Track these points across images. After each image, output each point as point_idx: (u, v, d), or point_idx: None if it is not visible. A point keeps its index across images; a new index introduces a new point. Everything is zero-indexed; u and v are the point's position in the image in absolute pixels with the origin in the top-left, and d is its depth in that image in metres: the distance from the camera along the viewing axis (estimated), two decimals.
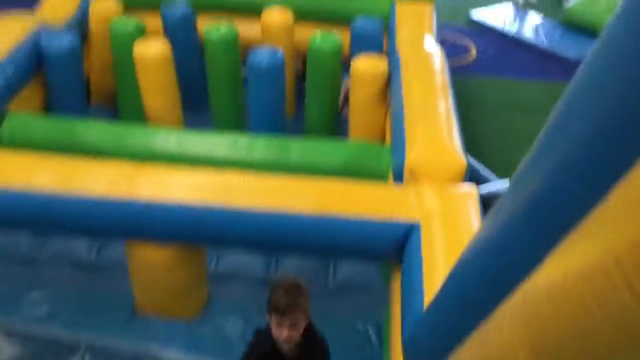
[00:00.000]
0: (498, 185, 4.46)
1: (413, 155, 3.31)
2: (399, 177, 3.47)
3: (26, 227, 3.25)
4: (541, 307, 1.14)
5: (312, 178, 3.34)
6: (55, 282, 3.73)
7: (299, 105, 5.33)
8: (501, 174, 4.87)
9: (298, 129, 5.20)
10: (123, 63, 4.74)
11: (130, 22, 4.79)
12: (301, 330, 2.55)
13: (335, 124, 4.99)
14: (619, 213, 0.97)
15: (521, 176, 1.42)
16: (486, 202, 3.24)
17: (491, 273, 1.51)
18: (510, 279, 1.41)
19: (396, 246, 3.04)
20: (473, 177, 4.14)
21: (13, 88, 4.10)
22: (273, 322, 2.51)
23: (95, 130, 3.97)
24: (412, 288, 2.74)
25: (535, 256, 1.34)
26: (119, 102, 5.04)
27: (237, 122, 4.97)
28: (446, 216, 3.00)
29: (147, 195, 3.10)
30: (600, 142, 1.08)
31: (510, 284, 1.40)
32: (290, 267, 3.81)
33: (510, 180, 1.52)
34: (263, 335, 2.69)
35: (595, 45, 1.13)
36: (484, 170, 4.96)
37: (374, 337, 3.46)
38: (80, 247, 3.85)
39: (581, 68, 1.17)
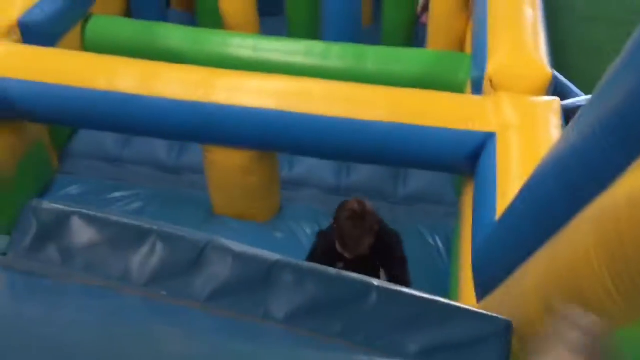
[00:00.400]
0: (582, 100, 4.25)
1: (495, 65, 3.18)
2: (477, 87, 3.35)
3: (108, 126, 3.39)
4: (620, 214, 1.10)
5: (388, 87, 3.28)
6: (138, 180, 3.91)
7: (377, 13, 5.17)
8: (585, 90, 4.63)
9: (375, 37, 5.08)
10: None
11: None
12: (367, 247, 2.56)
13: (413, 32, 4.83)
14: None
15: (605, 87, 1.34)
16: (569, 117, 3.10)
17: (570, 181, 1.47)
18: (589, 188, 1.37)
19: (470, 157, 2.98)
20: (557, 90, 3.97)
21: None
22: (338, 242, 2.54)
23: (174, 34, 4.02)
24: (484, 200, 2.71)
25: (616, 167, 1.29)
26: (197, 6, 5.03)
27: (312, 27, 4.89)
28: (525, 128, 2.90)
29: (222, 99, 3.14)
30: None
31: (590, 193, 1.36)
32: (362, 175, 3.83)
33: (594, 91, 1.44)
34: (326, 238, 2.70)
35: None
36: (568, 84, 4.71)
37: (442, 248, 3.48)
38: (162, 149, 3.99)
39: None
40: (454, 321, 0.91)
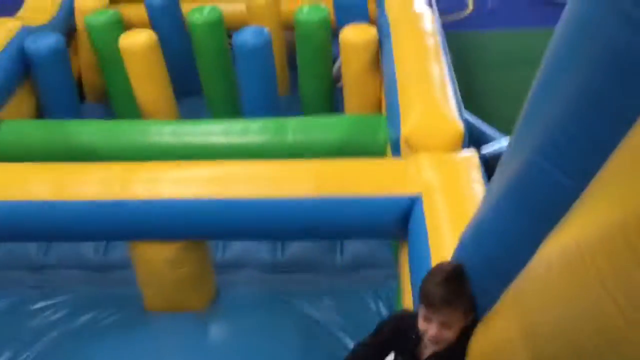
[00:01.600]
0: (502, 143, 4.36)
1: (408, 126, 3.23)
2: (396, 148, 3.40)
3: (27, 236, 3.24)
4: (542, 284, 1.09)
5: (310, 160, 3.28)
6: (65, 284, 3.74)
7: (294, 82, 5.23)
8: (505, 131, 4.76)
9: (295, 107, 5.12)
10: (107, 56, 4.65)
11: (105, 13, 4.68)
12: (456, 333, 2.04)
13: (332, 96, 4.90)
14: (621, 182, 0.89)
15: (506, 157, 1.36)
16: (490, 163, 3.17)
17: (487, 253, 1.46)
18: (505, 260, 1.36)
19: (400, 221, 2.99)
20: (475, 136, 4.06)
21: (2, 95, 4.05)
22: (421, 313, 2.08)
23: (89, 129, 3.93)
24: (419, 262, 2.70)
25: (530, 238, 1.28)
26: (111, 97, 4.96)
27: (231, 104, 4.90)
28: (448, 186, 2.93)
29: (141, 194, 3.06)
30: (572, 121, 1.01)
31: (507, 266, 1.35)
32: (298, 248, 3.78)
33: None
34: (408, 319, 2.25)
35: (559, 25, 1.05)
36: (486, 128, 4.85)
37: (384, 312, 3.44)
38: (87, 249, 3.84)
39: (549, 49, 1.10)
40: None
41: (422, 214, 2.86)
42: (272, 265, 3.76)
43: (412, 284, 2.79)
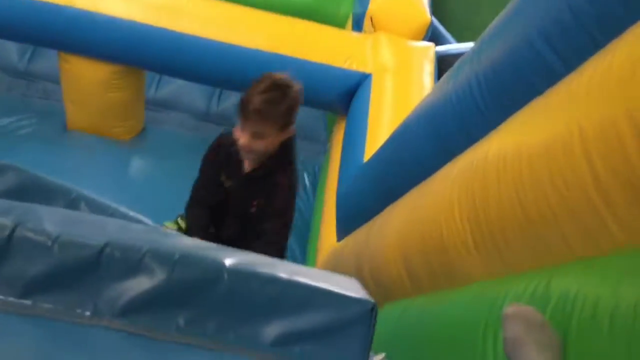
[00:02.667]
0: (454, 48, 4.35)
1: (377, 3, 3.13)
2: (358, 24, 3.31)
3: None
4: (487, 169, 1.11)
5: (269, 13, 3.14)
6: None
7: None
8: (458, 38, 4.74)
9: None
10: None
11: None
12: (268, 146, 2.02)
13: None
14: (590, 91, 0.91)
15: (485, 42, 1.34)
16: (442, 63, 3.16)
17: (441, 132, 1.47)
18: (459, 140, 1.38)
19: (345, 95, 2.97)
20: (431, 36, 4.02)
21: None
22: (239, 120, 2.01)
23: None
24: (354, 141, 2.72)
25: (488, 123, 1.30)
26: None
27: None
28: (400, 72, 2.92)
29: (87, 5, 2.85)
30: None
31: (459, 145, 1.37)
32: (235, 102, 3.69)
33: (474, 45, 1.43)
34: (225, 139, 2.20)
35: None
36: (443, 31, 4.81)
37: (308, 184, 3.49)
38: (12, 51, 3.59)
39: None
40: (314, 305, 0.80)
41: (369, 93, 2.85)
42: (204, 114, 3.68)
43: (342, 159, 2.82)
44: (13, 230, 0.82)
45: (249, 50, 2.91)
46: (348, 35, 3.22)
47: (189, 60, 2.93)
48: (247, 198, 2.21)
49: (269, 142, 2.02)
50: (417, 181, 1.64)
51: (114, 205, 1.14)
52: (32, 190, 1.08)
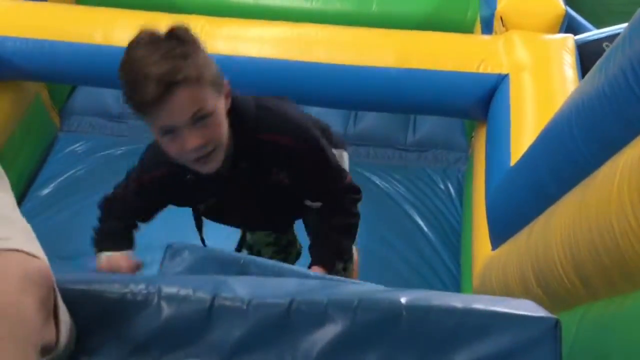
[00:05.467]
0: (595, 34, 4.10)
1: (505, 2, 3.05)
2: (487, 27, 3.24)
3: (107, 82, 3.28)
4: None
5: (394, 30, 3.17)
6: (141, 136, 3.83)
7: None
8: (595, 23, 4.46)
9: None
10: None
11: None
12: (222, 122, 1.39)
13: None
14: None
15: (638, 25, 1.25)
16: (583, 52, 3.00)
17: (598, 129, 1.39)
18: (620, 136, 1.30)
19: (483, 100, 2.90)
20: (568, 26, 3.83)
21: None
22: (158, 132, 1.38)
23: None
24: (498, 145, 2.64)
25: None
26: None
27: None
28: (538, 69, 2.80)
29: (223, 49, 3.04)
30: None
31: (621, 141, 1.29)
32: (370, 122, 3.75)
33: (624, 29, 1.34)
34: (159, 154, 1.48)
35: None
36: (578, 18, 4.55)
37: (454, 194, 3.43)
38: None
39: None
40: (496, 330, 0.78)
41: (508, 94, 2.76)
42: (342, 136, 3.75)
43: (487, 165, 2.75)
44: (212, 301, 0.91)
45: (379, 69, 2.95)
46: (478, 38, 3.16)
47: (325, 87, 3.02)
48: (257, 186, 1.61)
49: (220, 115, 1.40)
50: (575, 182, 1.56)
51: (277, 263, 1.21)
52: (207, 263, 1.17)
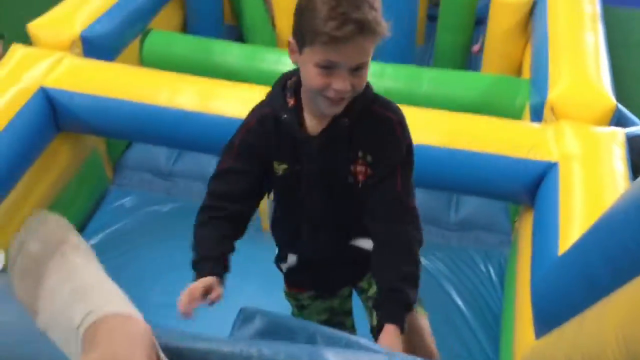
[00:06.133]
0: None
1: (556, 92, 3.12)
2: (537, 114, 3.30)
3: (167, 141, 3.43)
4: None
5: (444, 111, 3.25)
6: (188, 194, 3.94)
7: (430, 33, 5.15)
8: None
9: (426, 59, 5.07)
10: None
11: None
12: (364, 83, 1.53)
13: (467, 53, 4.78)
14: None
15: None
16: (633, 145, 3.03)
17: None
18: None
19: (530, 186, 2.93)
20: (617, 120, 3.87)
21: (156, 6, 4.24)
22: (313, 61, 1.46)
23: (231, 50, 4.06)
24: (546, 233, 2.64)
25: None
26: (244, 22, 4.99)
27: None
28: (588, 159, 2.83)
29: None
30: None
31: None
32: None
33: None
34: (273, 93, 1.69)
35: None
36: (627, 113, 4.59)
37: (495, 277, 3.41)
38: (211, 165, 4.01)
39: None
40: None
41: (557, 183, 2.78)
42: None
43: (533, 252, 2.75)
44: None
45: (428, 147, 2.99)
46: (528, 125, 3.21)
47: None
48: (336, 170, 1.67)
49: (367, 70, 1.53)
50: (630, 275, 1.57)
51: (346, 335, 1.23)
52: (277, 330, 1.20)
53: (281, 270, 2.04)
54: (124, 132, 3.36)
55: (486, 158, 2.96)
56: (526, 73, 3.95)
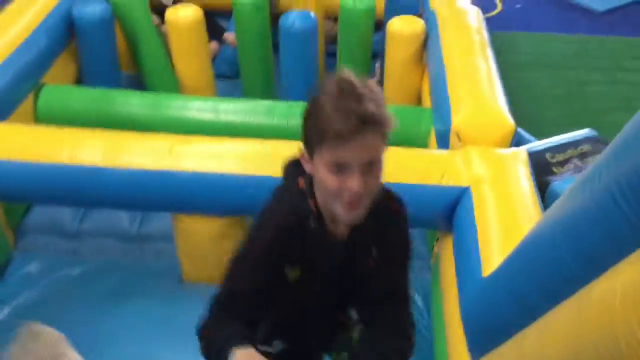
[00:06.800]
0: (540, 144, 4.38)
1: (460, 119, 3.25)
2: (443, 141, 3.41)
3: (72, 201, 3.25)
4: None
5: None
6: (99, 254, 3.74)
7: (330, 68, 5.25)
8: (533, 133, 4.79)
9: None
10: (137, 33, 4.58)
11: None
12: (380, 176, 1.51)
13: None
14: None
15: (623, 144, 1.36)
16: (534, 162, 3.18)
17: (586, 248, 1.47)
18: (609, 255, 1.38)
19: (446, 212, 3.01)
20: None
21: (47, 60, 4.05)
22: (325, 164, 1.43)
23: (132, 99, 3.94)
24: (467, 256, 2.71)
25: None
26: (144, 68, 4.86)
27: (267, 87, 4.90)
28: (497, 181, 2.95)
29: (191, 166, 3.07)
30: None
31: (611, 260, 1.37)
32: None
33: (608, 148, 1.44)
34: (292, 198, 1.60)
35: None
36: (520, 131, 4.86)
37: (420, 302, 3.46)
38: (123, 220, 3.84)
39: None
40: None
41: (472, 206, 2.88)
42: None
43: (458, 275, 2.81)
44: None
45: None
46: (437, 153, 3.32)
47: None
48: (355, 267, 1.68)
49: (382, 167, 1.52)
50: (563, 294, 1.63)
51: None
52: None
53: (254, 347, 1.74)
54: (25, 195, 3.15)
55: (401, 188, 2.98)
56: (426, 102, 4.11)
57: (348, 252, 1.66)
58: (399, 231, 1.79)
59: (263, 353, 1.59)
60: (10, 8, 4.12)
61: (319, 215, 1.59)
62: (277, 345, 1.86)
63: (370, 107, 1.40)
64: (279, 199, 1.69)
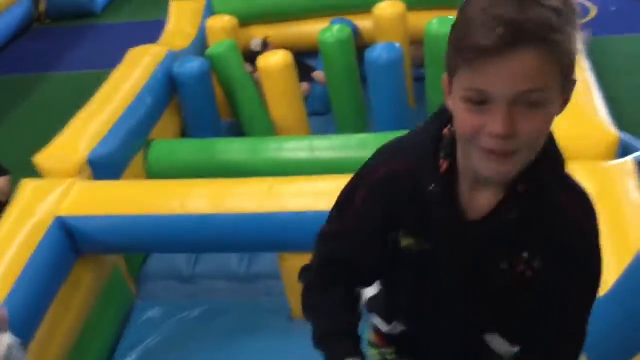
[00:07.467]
0: None
1: (560, 134, 3.15)
2: None
3: (184, 248, 3.45)
4: None
5: None
6: (213, 295, 3.92)
7: (419, 94, 5.25)
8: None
9: (422, 119, 5.13)
10: (233, 80, 4.81)
11: (222, 44, 4.79)
12: (545, 131, 1.10)
13: None
14: None
15: None
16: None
17: None
18: None
19: None
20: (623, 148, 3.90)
21: (154, 116, 4.35)
22: (459, 93, 1.04)
23: (232, 146, 4.14)
24: None
25: None
26: (240, 114, 5.08)
27: (360, 120, 4.98)
28: (604, 196, 2.83)
29: (292, 206, 3.18)
30: None
31: None
32: None
33: None
34: (420, 155, 1.20)
35: None
36: (627, 137, 4.63)
37: None
38: (232, 261, 4.01)
39: None
40: None
41: None
42: None
43: None
44: None
45: None
46: None
47: None
48: (487, 261, 1.20)
49: (549, 118, 1.07)
50: None
51: None
52: None
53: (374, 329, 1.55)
54: (143, 245, 3.39)
55: None
56: None
57: (481, 240, 1.17)
58: (584, 235, 1.24)
59: (383, 336, 1.40)
60: (116, 72, 4.48)
61: (451, 178, 1.16)
62: (396, 327, 1.50)
63: (532, 11, 0.93)
64: (404, 138, 1.26)
